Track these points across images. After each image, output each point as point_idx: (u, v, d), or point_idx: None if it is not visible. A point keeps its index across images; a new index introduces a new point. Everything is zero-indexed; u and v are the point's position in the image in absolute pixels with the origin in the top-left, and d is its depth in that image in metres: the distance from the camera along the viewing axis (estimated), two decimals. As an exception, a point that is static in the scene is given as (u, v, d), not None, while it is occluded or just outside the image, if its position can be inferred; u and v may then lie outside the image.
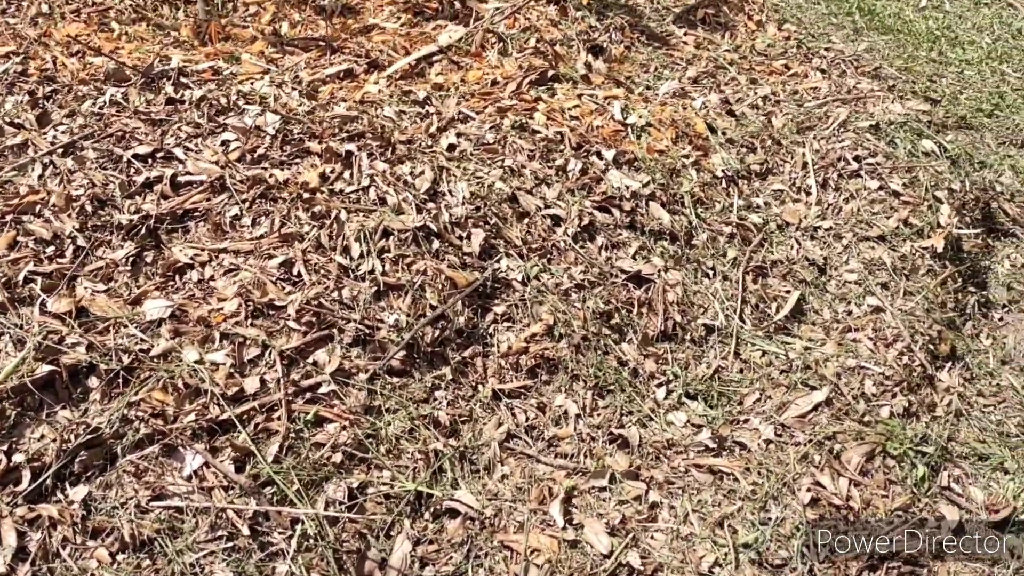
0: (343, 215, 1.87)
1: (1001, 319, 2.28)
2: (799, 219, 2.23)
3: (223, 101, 2.14)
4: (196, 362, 1.60)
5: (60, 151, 2.02)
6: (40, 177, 1.96)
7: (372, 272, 1.80)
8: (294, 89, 2.29)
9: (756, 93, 2.67)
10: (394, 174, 1.98)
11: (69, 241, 1.81)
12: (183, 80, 2.27)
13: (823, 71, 2.85)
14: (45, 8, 2.72)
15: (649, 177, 2.20)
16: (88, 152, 2.02)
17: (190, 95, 2.17)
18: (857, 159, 2.36)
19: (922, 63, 3.59)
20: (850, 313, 2.05)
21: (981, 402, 1.96)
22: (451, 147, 2.12)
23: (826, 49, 3.04)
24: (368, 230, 1.85)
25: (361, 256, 1.82)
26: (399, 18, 2.72)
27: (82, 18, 2.73)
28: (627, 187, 2.15)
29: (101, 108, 2.15)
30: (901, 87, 3.00)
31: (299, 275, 1.78)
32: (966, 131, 3.13)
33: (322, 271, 1.79)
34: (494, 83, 2.43)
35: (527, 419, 1.72)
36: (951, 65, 3.62)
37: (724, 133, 2.44)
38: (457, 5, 2.85)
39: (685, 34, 2.96)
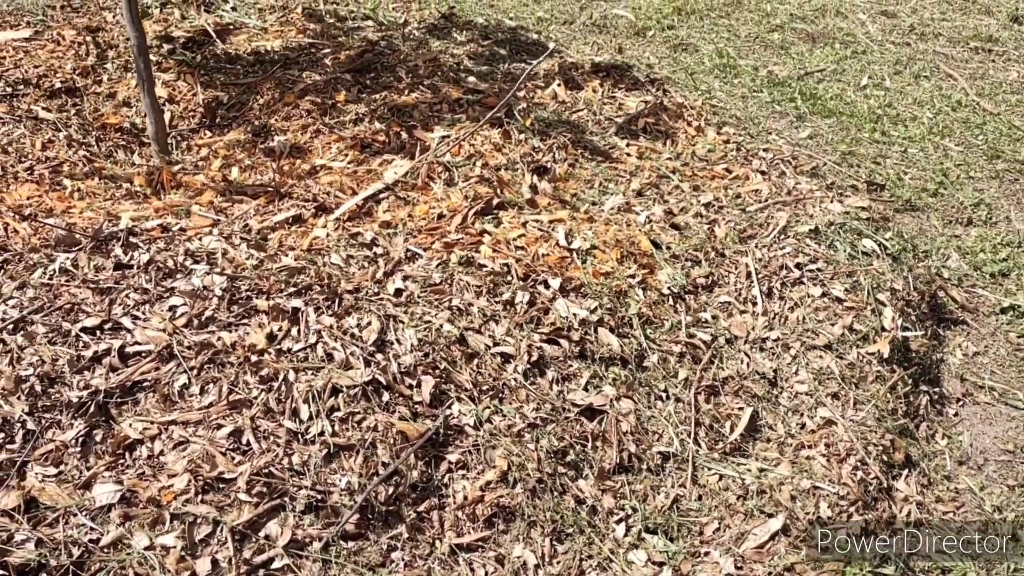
0: (291, 376, 1.89)
1: (956, 414, 2.30)
2: (747, 331, 2.26)
3: (171, 263, 2.17)
4: (146, 548, 1.60)
5: (10, 327, 2.04)
6: (-10, 357, 1.97)
7: (322, 434, 1.81)
8: (243, 240, 2.32)
9: (699, 201, 2.73)
10: (341, 328, 2.01)
11: (19, 426, 1.82)
12: (132, 240, 2.30)
13: (763, 172, 2.92)
14: (-1, 170, 2.77)
15: (596, 302, 2.23)
16: (38, 327, 2.04)
17: (138, 259, 2.20)
18: (799, 266, 2.41)
19: (866, 145, 3.69)
20: (803, 426, 2.07)
21: (940, 509, 1.97)
22: (398, 292, 2.15)
23: (764, 150, 3.12)
24: (316, 390, 1.86)
25: (310, 418, 1.83)
26: (346, 155, 2.78)
27: (35, 176, 2.78)
28: (575, 315, 2.18)
29: (51, 277, 2.18)
30: (841, 182, 3.07)
31: (248, 443, 1.79)
32: (912, 213, 3.21)
33: (271, 437, 1.80)
34: (440, 216, 2.48)
35: (486, 574, 1.71)
36: (894, 144, 3.72)
37: (669, 248, 2.49)
38: (404, 136, 2.92)
39: (628, 145, 3.04)
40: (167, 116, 3.30)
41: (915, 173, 3.49)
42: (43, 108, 3.19)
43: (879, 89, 4.25)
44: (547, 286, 2.25)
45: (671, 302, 2.32)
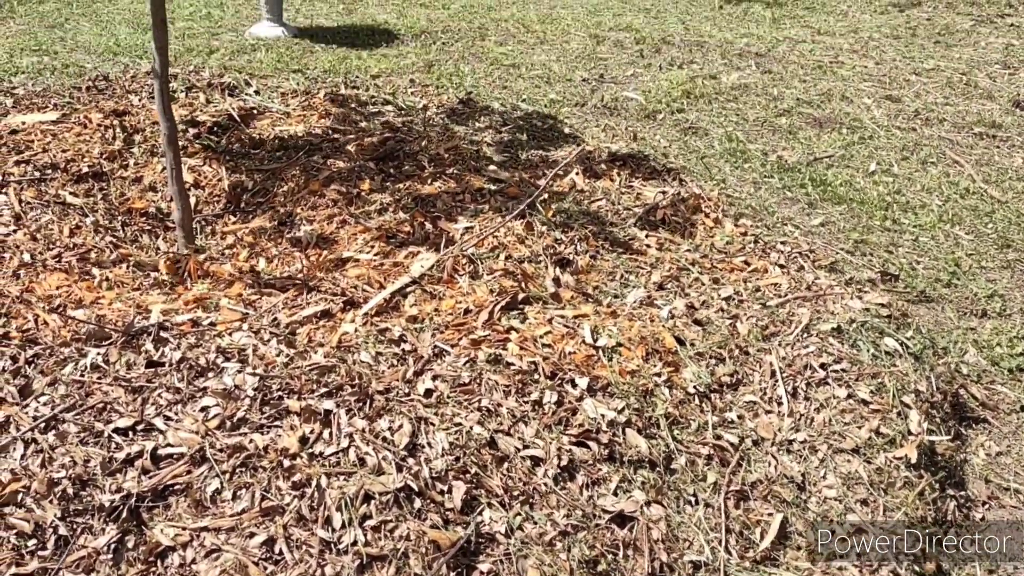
0: (324, 481, 1.89)
1: (982, 518, 2.30)
2: (773, 433, 2.27)
3: (202, 361, 2.19)
4: (180, 664, 1.58)
5: (42, 426, 2.04)
6: (22, 456, 1.98)
7: (355, 543, 1.80)
8: (272, 336, 2.35)
9: (719, 295, 2.77)
10: (373, 431, 2.01)
11: (51, 531, 1.81)
12: (163, 335, 2.32)
13: (782, 266, 2.96)
14: (27, 258, 2.81)
15: (623, 402, 2.24)
16: (70, 426, 2.05)
17: (170, 356, 2.22)
18: (823, 366, 2.43)
19: (877, 233, 3.74)
20: (833, 533, 2.06)
21: (974, 622, 1.95)
22: (428, 392, 2.16)
23: (782, 242, 3.17)
24: (349, 497, 1.86)
25: (343, 526, 1.83)
26: (372, 247, 2.82)
27: (63, 264, 2.82)
28: (603, 416, 2.19)
29: (82, 374, 2.20)
30: (858, 275, 3.11)
31: (281, 553, 1.78)
32: (927, 305, 3.25)
33: (304, 547, 1.79)
34: (467, 311, 2.50)
35: None
36: (905, 232, 3.77)
37: (693, 345, 2.51)
38: (428, 227, 2.97)
39: (647, 236, 3.08)
40: (192, 201, 3.35)
41: (927, 263, 3.53)
42: (70, 193, 3.25)
43: (887, 175, 4.33)
44: (574, 385, 2.26)
45: (697, 401, 2.34)
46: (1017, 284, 3.40)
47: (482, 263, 2.76)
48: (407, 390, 2.16)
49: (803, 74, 5.88)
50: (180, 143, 3.60)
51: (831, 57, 6.37)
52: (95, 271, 2.77)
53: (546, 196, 3.24)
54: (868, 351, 2.49)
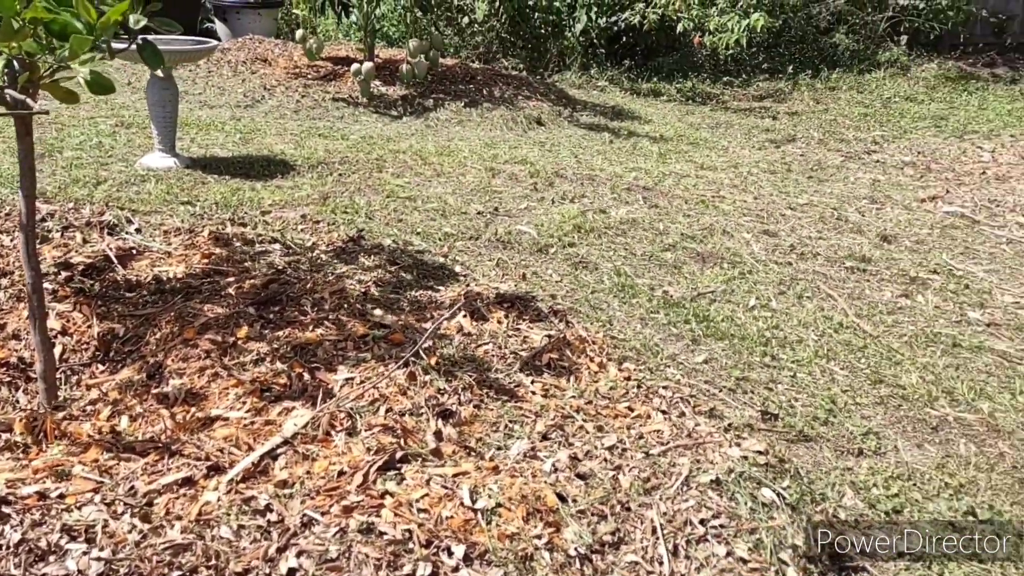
0: None
1: (865, 676, 2.28)
2: (655, 596, 2.22)
3: (44, 543, 2.02)
4: None
5: None
6: None
7: None
8: (127, 508, 2.19)
9: (603, 444, 2.76)
10: (228, 620, 1.87)
11: None
12: (5, 510, 2.14)
13: (664, 412, 2.99)
14: None
15: (501, 571, 2.16)
16: None
17: (9, 536, 2.04)
18: (703, 522, 2.42)
19: (758, 369, 3.84)
20: None
21: None
22: (291, 572, 2.04)
23: (664, 387, 3.21)
24: None
25: None
26: (244, 403, 2.72)
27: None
28: (479, 587, 2.10)
29: (-95, 560, 1.99)
30: (737, 419, 3.16)
31: None
32: (806, 444, 3.31)
33: None
34: (341, 473, 2.41)
35: None
36: (784, 368, 3.89)
37: (575, 501, 2.47)
38: (307, 378, 2.89)
39: (532, 383, 3.07)
40: (58, 349, 3.19)
41: (805, 400, 3.63)
42: (-78, 344, 3.04)
43: (766, 310, 4.49)
44: (450, 554, 2.18)
45: (578, 564, 2.28)
46: (890, 420, 3.51)
47: (361, 418, 2.69)
48: (268, 570, 2.03)
49: (687, 208, 6.14)
50: (51, 287, 3.45)
51: (713, 191, 6.70)
52: (-61, 436, 2.56)
53: (431, 342, 3.21)
54: (746, 504, 2.50)
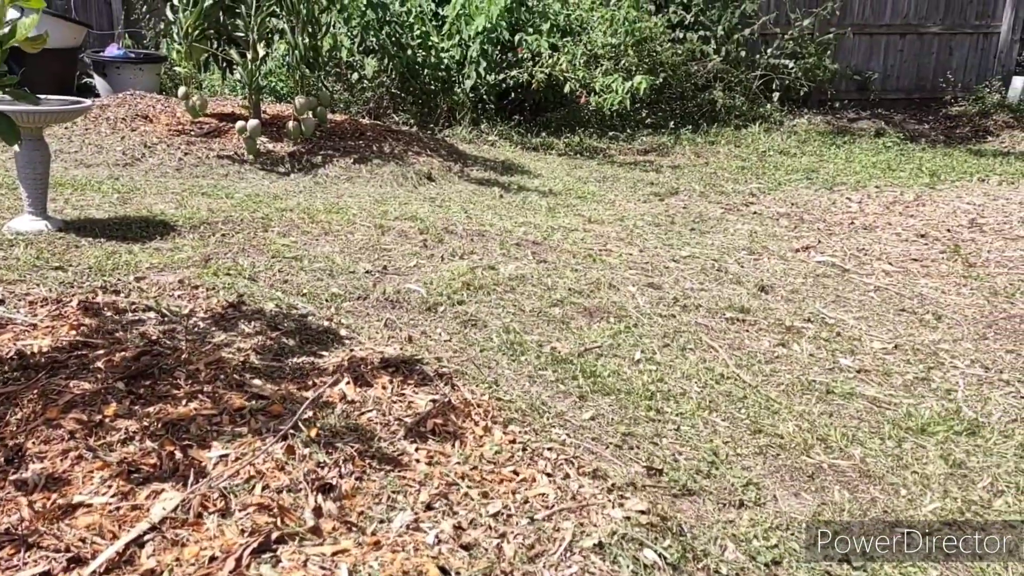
0: None
1: None
2: (539, 668, 2.20)
3: None
4: None
5: None
6: None
7: None
8: (-27, 612, 2.04)
9: (488, 511, 2.74)
10: None
11: None
12: None
13: (549, 474, 3.00)
14: None
15: (381, 653, 2.10)
16: None
17: None
18: (586, 589, 2.42)
19: (643, 424, 3.91)
20: None
21: None
22: (155, 671, 1.93)
23: (549, 448, 3.23)
24: None
25: None
26: (110, 487, 2.58)
27: None
28: (358, 673, 2.03)
29: None
30: (621, 478, 3.20)
31: None
32: (689, 498, 3.37)
33: None
34: (212, 559, 2.31)
35: None
36: (668, 422, 3.97)
37: (458, 574, 2.43)
38: (178, 456, 2.77)
39: (416, 450, 3.04)
40: (-98, 436, 2.96)
41: (688, 452, 3.71)
42: None
43: (651, 363, 4.59)
44: (327, 640, 2.11)
45: (461, 641, 2.24)
46: (769, 470, 3.63)
47: (235, 497, 2.59)
48: (130, 671, 1.91)
49: (575, 263, 6.27)
50: None
51: (600, 245, 6.86)
52: None
53: (311, 412, 3.14)
54: (628, 567, 2.52)
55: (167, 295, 4.41)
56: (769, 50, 12.70)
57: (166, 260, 5.31)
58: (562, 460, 3.14)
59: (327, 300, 4.91)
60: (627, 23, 10.91)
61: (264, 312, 4.29)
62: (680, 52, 11.94)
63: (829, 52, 13.00)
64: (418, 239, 6.58)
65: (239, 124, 8.59)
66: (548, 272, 5.97)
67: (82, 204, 6.71)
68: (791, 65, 12.60)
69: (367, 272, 5.64)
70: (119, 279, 4.61)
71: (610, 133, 12.18)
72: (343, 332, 4.29)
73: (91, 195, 7.00)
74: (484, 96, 11.92)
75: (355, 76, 11.89)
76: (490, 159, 10.40)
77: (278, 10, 8.46)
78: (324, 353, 3.89)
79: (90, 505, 2.51)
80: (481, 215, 7.64)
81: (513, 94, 12.18)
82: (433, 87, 11.83)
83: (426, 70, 11.62)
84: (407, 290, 5.33)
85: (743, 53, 12.55)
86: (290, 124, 8.87)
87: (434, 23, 11.89)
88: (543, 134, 12.09)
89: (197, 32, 8.28)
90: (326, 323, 4.37)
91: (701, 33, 12.24)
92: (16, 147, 5.42)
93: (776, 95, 12.77)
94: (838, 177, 9.90)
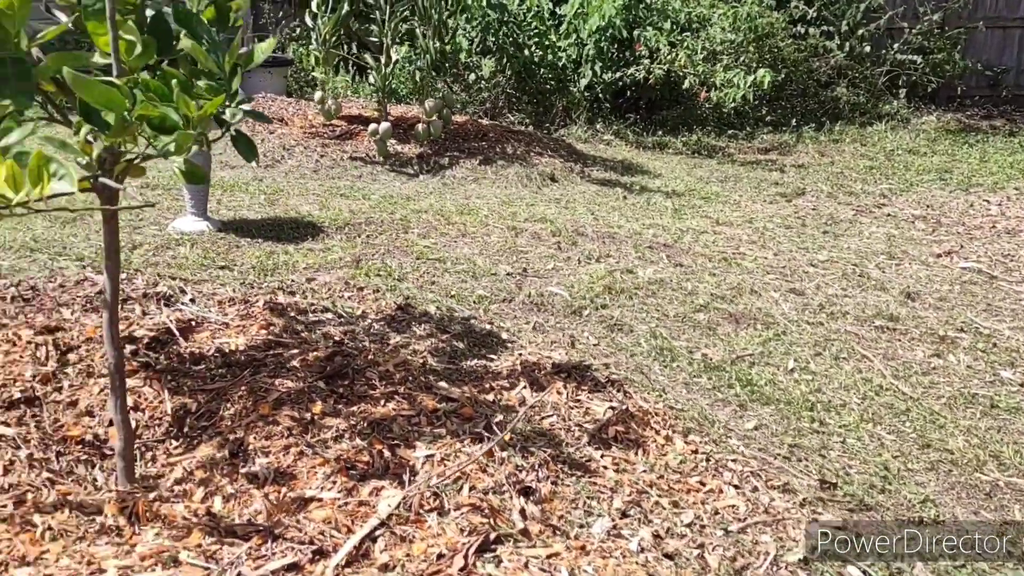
0: None
1: None
2: (757, 677, 2.27)
3: (170, 637, 2.06)
4: None
5: None
6: None
7: None
8: (240, 596, 2.23)
9: (681, 520, 2.82)
10: None
11: None
12: (122, 602, 2.18)
13: (736, 486, 3.05)
14: (-42, 506, 2.61)
15: (609, 654, 2.21)
16: None
17: (133, 629, 2.07)
18: (796, 603, 2.48)
19: (808, 435, 3.92)
20: None
21: None
22: (415, 660, 2.08)
23: (733, 460, 3.28)
24: None
25: None
26: (335, 482, 2.76)
27: (3, 515, 2.63)
28: (591, 672, 2.15)
29: (32, 656, 2.02)
30: (807, 492, 3.23)
31: None
32: (867, 513, 3.37)
33: None
34: (440, 556, 2.46)
35: None
36: (833, 434, 3.96)
37: (668, 581, 2.52)
38: (387, 455, 2.94)
39: (602, 456, 3.14)
40: (132, 425, 3.23)
41: (859, 466, 3.70)
42: (2, 423, 3.08)
43: (806, 373, 4.58)
44: (560, 639, 2.23)
45: (678, 645, 2.32)
46: (944, 487, 3.59)
47: (447, 497, 2.74)
48: (393, 659, 2.07)
49: (711, 267, 6.26)
50: (118, 362, 3.50)
51: (733, 248, 6.83)
52: (36, 518, 2.59)
53: (501, 417, 3.28)
54: (835, 582, 2.57)
55: (337, 296, 4.64)
56: (896, 45, 12.31)
57: (320, 260, 5.56)
58: (748, 472, 3.19)
59: (475, 302, 5.06)
60: (749, 19, 10.77)
61: (429, 314, 4.47)
62: (802, 48, 11.70)
63: (959, 47, 12.51)
64: (551, 241, 6.69)
65: (371, 127, 8.87)
66: (686, 276, 5.99)
67: (234, 205, 7.06)
68: (918, 60, 12.18)
69: (508, 274, 5.78)
70: (292, 280, 4.87)
71: (728, 131, 12.05)
72: (504, 336, 4.43)
73: (240, 196, 7.36)
74: (599, 95, 11.95)
75: (472, 77, 12.09)
76: (608, 159, 10.44)
77: (409, 15, 8.69)
78: (493, 356, 4.04)
79: (321, 500, 2.69)
80: (608, 217, 7.70)
81: (628, 92, 12.17)
82: (548, 86, 11.93)
83: (542, 69, 11.73)
84: (550, 293, 5.44)
85: (867, 48, 12.21)
86: (419, 127, 9.11)
87: (551, 22, 11.98)
88: (659, 133, 12.05)
89: (334, 38, 8.59)
90: (488, 326, 4.52)
91: (824, 28, 11.96)
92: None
93: (902, 92, 12.38)
94: (973, 178, 9.56)
